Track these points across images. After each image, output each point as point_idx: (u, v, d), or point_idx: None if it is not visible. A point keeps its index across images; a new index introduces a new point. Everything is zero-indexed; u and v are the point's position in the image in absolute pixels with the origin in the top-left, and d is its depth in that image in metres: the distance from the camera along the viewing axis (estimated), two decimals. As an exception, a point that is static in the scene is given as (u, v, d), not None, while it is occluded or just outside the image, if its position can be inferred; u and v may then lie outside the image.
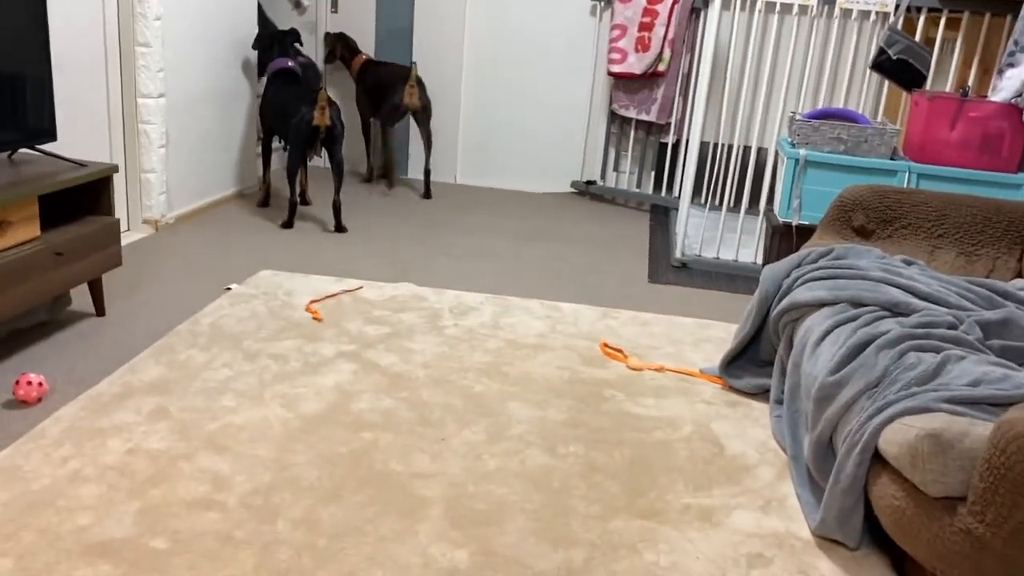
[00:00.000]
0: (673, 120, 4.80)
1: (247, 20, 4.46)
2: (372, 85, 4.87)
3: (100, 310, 2.88)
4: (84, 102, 3.40)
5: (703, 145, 4.71)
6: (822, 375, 1.98)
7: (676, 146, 4.88)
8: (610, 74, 4.80)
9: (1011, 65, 3.32)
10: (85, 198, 2.79)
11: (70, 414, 2.18)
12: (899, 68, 3.55)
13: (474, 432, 2.25)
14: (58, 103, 3.21)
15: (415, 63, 3.82)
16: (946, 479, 1.54)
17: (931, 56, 3.58)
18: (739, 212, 3.98)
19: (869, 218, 2.93)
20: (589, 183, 5.17)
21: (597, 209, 4.97)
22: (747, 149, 4.56)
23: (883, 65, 3.54)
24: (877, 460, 1.74)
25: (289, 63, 4.31)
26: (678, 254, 3.98)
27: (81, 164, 2.71)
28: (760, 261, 3.91)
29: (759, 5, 3.67)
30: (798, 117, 3.47)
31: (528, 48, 5.07)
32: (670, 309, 3.38)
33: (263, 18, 4.78)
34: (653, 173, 5.05)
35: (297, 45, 4.47)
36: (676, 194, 4.91)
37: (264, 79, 4.38)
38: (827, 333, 2.16)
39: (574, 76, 5.06)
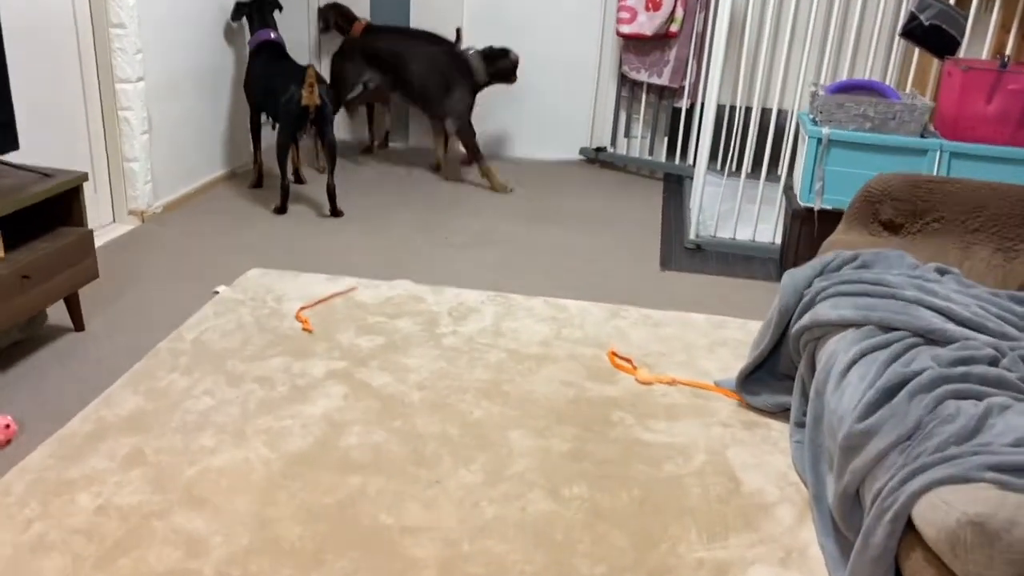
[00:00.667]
0: (687, 83, 4.53)
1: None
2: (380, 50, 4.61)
3: (79, 325, 2.72)
4: (56, 91, 3.19)
5: (719, 108, 4.45)
6: (849, 421, 1.80)
7: (690, 111, 4.61)
8: (619, 34, 4.51)
9: (1055, 31, 3.05)
10: (54, 209, 2.61)
11: (37, 463, 2.04)
12: (931, 34, 3.27)
13: (472, 471, 2.09)
14: (26, 95, 3.01)
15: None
16: (991, 572, 1.37)
17: (966, 20, 3.29)
18: (758, 181, 3.74)
19: (898, 211, 2.70)
20: (599, 150, 4.93)
21: (607, 178, 4.74)
22: (766, 112, 4.30)
23: (914, 32, 3.26)
24: (910, 529, 1.57)
25: (271, 35, 4.06)
26: (692, 235, 3.76)
27: (47, 174, 2.52)
28: (779, 241, 3.69)
29: (779, -32, 3.37)
30: (820, 92, 3.21)
31: (532, 5, 4.78)
32: (683, 302, 3.19)
33: None
34: (666, 140, 4.79)
35: (276, 13, 4.20)
36: (690, 162, 4.67)
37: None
38: (854, 363, 1.97)
39: (581, 36, 4.77)
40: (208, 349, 2.62)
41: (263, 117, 4.13)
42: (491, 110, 4.99)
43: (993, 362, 1.85)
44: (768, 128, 3.81)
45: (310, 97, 3.65)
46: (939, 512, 1.47)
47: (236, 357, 2.58)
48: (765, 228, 3.81)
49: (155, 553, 1.77)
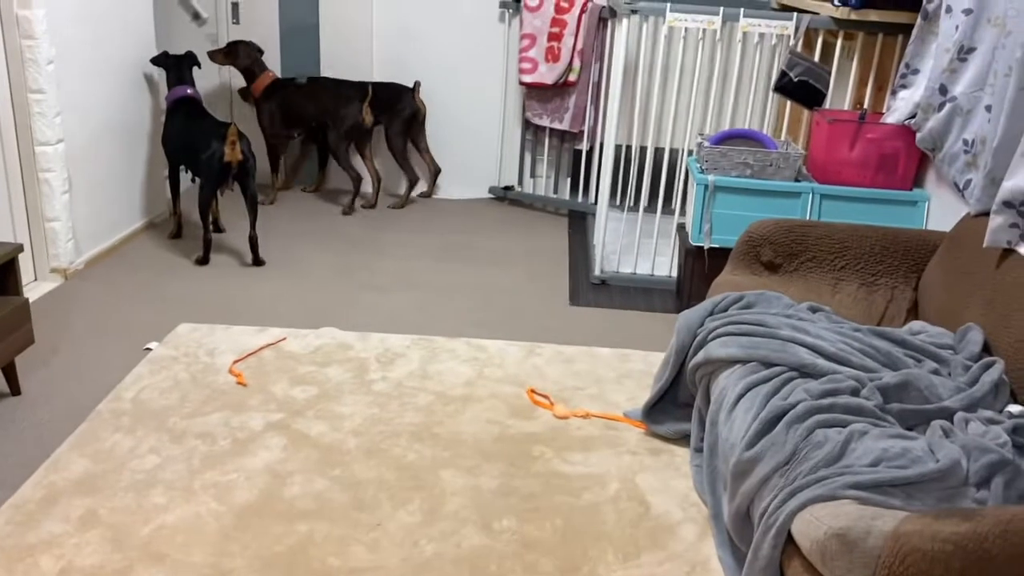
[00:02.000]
0: (586, 128, 4.85)
1: (145, 45, 4.30)
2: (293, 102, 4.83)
3: (15, 389, 2.81)
4: (-23, 159, 3.25)
5: (617, 149, 4.78)
6: (738, 450, 2.09)
7: (590, 152, 4.94)
8: (522, 83, 4.81)
9: (903, 87, 3.47)
10: (-11, 279, 2.70)
11: (-4, 530, 2.14)
12: (800, 89, 3.66)
13: (410, 512, 2.30)
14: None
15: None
16: (852, 575, 1.66)
17: (830, 75, 3.70)
18: (655, 216, 4.07)
19: (776, 252, 3.05)
20: (507, 188, 5.20)
21: (516, 216, 5.01)
22: (659, 151, 4.65)
23: (786, 87, 3.65)
24: (791, 542, 1.86)
25: (188, 91, 4.18)
26: (597, 271, 4.06)
27: (-18, 247, 2.61)
28: (676, 274, 4.02)
29: (663, 30, 3.71)
30: (705, 144, 3.56)
31: (438, 53, 5.02)
32: (592, 335, 3.47)
33: None
34: (569, 179, 5.10)
35: (196, 69, 4.33)
36: (592, 200, 4.98)
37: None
38: (741, 396, 2.27)
39: (487, 83, 5.04)
40: (148, 408, 2.74)
41: (182, 170, 4.24)
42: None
43: (855, 392, 2.18)
44: (662, 166, 4.15)
45: (232, 154, 3.79)
46: (811, 527, 1.76)
47: (176, 414, 2.71)
48: (663, 261, 4.15)
49: (122, 609, 1.92)
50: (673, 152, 4.48)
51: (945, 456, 1.89)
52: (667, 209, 4.34)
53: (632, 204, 4.82)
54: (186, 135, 4.03)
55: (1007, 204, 2.51)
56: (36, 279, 3.68)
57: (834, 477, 1.86)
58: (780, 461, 1.99)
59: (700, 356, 2.56)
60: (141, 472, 2.41)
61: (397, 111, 4.86)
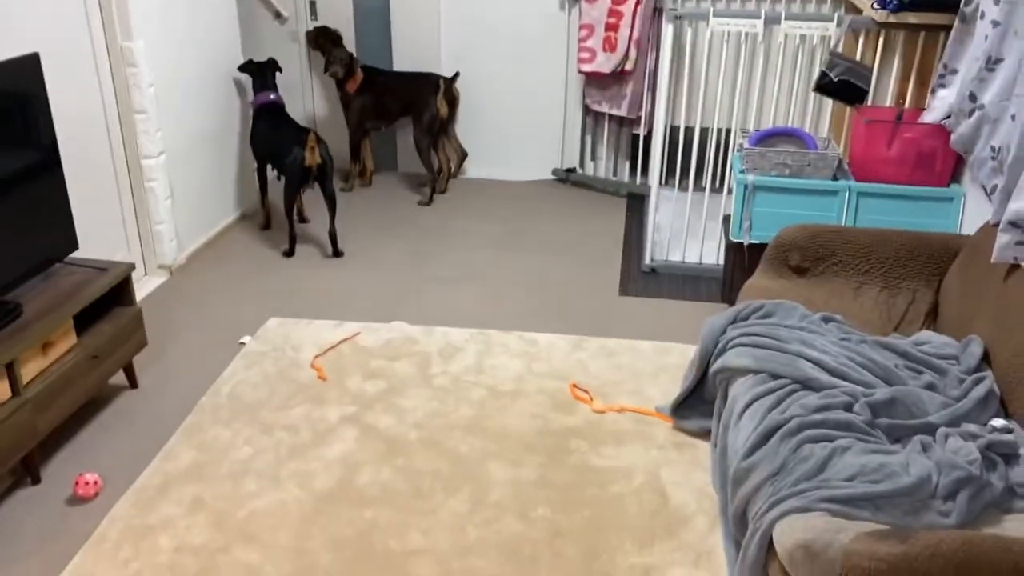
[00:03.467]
0: (643, 114, 5.05)
1: (232, 53, 4.71)
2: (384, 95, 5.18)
3: (133, 383, 3.31)
4: (93, 176, 3.73)
5: (672, 130, 4.98)
6: (738, 457, 2.39)
7: (648, 137, 5.14)
8: (580, 72, 5.03)
9: (942, 86, 3.57)
10: (109, 294, 3.17)
11: (123, 513, 2.63)
12: (841, 87, 3.79)
13: (459, 501, 2.69)
14: (72, 187, 3.55)
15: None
16: (814, 580, 1.97)
17: (871, 73, 3.81)
18: (704, 192, 4.27)
19: (804, 257, 3.27)
20: (569, 171, 5.47)
21: (577, 197, 5.29)
22: (709, 131, 4.82)
23: (826, 87, 3.78)
24: (772, 547, 2.16)
25: (271, 96, 4.58)
26: (647, 259, 4.33)
27: (102, 268, 3.08)
28: (722, 262, 4.25)
29: (707, 33, 3.88)
30: (746, 145, 3.75)
31: (503, 41, 5.28)
32: (638, 328, 3.76)
33: None
34: (628, 162, 5.33)
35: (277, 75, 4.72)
36: (650, 182, 5.20)
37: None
38: (747, 406, 2.56)
39: (549, 69, 5.28)
40: (242, 401, 3.20)
41: (268, 168, 4.67)
42: (472, 136, 5.52)
43: (847, 407, 2.43)
44: (710, 145, 4.35)
45: (312, 158, 4.20)
46: (785, 535, 2.06)
47: (266, 408, 3.17)
48: (711, 247, 4.37)
49: (224, 582, 2.38)
50: (721, 132, 4.65)
51: (916, 471, 2.15)
52: (718, 190, 4.54)
53: (682, 184, 5.03)
54: (270, 139, 4.45)
55: (1013, 224, 2.67)
56: (146, 274, 4.19)
57: (812, 490, 2.15)
58: (771, 472, 2.28)
59: (719, 363, 2.84)
60: (238, 462, 2.87)
61: (419, 112, 5.10)
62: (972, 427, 2.38)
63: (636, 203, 5.21)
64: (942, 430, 2.36)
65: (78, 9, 3.56)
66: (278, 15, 5.41)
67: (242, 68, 4.66)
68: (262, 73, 4.62)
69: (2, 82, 2.67)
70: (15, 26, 3.18)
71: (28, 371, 2.69)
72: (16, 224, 2.77)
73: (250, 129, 4.68)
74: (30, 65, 2.77)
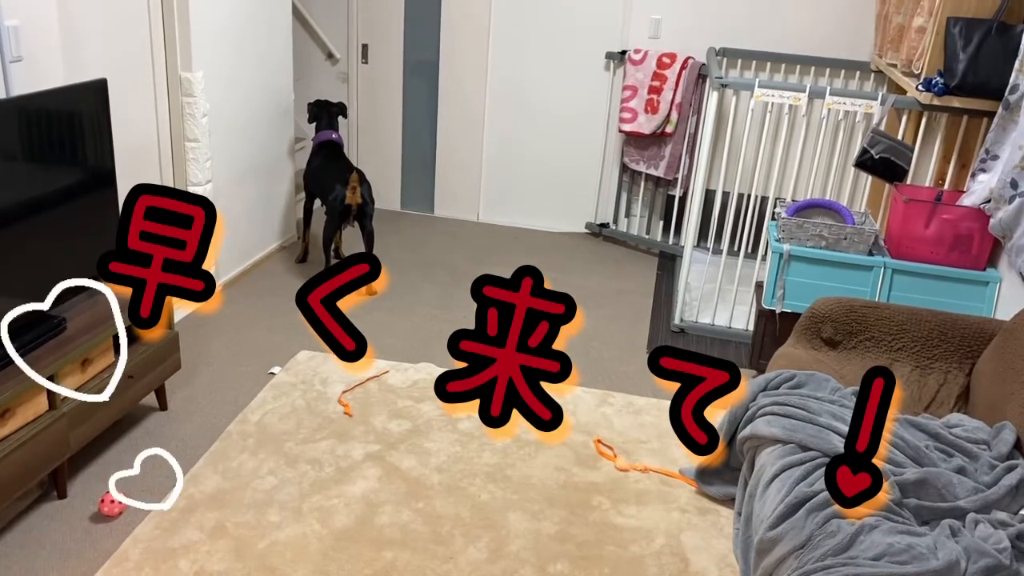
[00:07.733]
0: (680, 175, 5.11)
1: (284, 90, 4.83)
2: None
3: (163, 405, 3.35)
4: (142, 201, 3.82)
5: (708, 193, 5.03)
6: (763, 528, 2.38)
7: (683, 198, 5.19)
8: (621, 131, 5.11)
9: (983, 171, 3.60)
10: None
11: (145, 534, 2.65)
12: (882, 165, 3.83)
13: (478, 549, 2.69)
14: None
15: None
16: (837, 658, 1.95)
17: (912, 152, 3.85)
18: (739, 259, 4.29)
19: (837, 330, 3.27)
20: (603, 226, 5.52)
21: (609, 252, 5.33)
22: (747, 197, 4.87)
23: (866, 163, 3.82)
24: (795, 620, 2.15)
25: (332, 135, 4.70)
26: (677, 319, 4.35)
27: (145, 290, 3.14)
28: (751, 328, 4.25)
29: (751, 102, 3.95)
30: (783, 214, 3.78)
31: (547, 95, 5.38)
32: (664, 387, 3.76)
33: None
34: (661, 221, 5.38)
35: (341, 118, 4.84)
36: (683, 242, 5.24)
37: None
38: (775, 476, 2.55)
39: (590, 125, 5.37)
40: (269, 432, 3.23)
41: (316, 202, 4.76)
42: (507, 184, 5.60)
43: (876, 485, 2.42)
44: (746, 212, 4.38)
45: (352, 197, 4.28)
46: (809, 611, 2.04)
47: (292, 439, 3.19)
48: (741, 311, 4.38)
49: (241, 612, 2.38)
50: (757, 199, 4.69)
51: (945, 556, 2.13)
52: (751, 256, 4.56)
53: (715, 247, 5.06)
54: (321, 174, 4.56)
55: (1049, 314, 2.67)
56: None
57: (838, 567, 2.14)
58: (796, 545, 2.27)
59: (748, 431, 2.84)
60: (261, 491, 2.89)
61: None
62: (1002, 515, 2.36)
63: (667, 262, 5.24)
64: (972, 516, 2.34)
65: (143, 39, 3.69)
66: (330, 55, 5.55)
67: (311, 116, 4.79)
68: (329, 112, 4.75)
69: (71, 104, 2.77)
70: (88, 52, 3.29)
71: (66, 386, 2.74)
72: (69, 240, 2.84)
73: (306, 163, 4.78)
74: (98, 89, 2.86)
